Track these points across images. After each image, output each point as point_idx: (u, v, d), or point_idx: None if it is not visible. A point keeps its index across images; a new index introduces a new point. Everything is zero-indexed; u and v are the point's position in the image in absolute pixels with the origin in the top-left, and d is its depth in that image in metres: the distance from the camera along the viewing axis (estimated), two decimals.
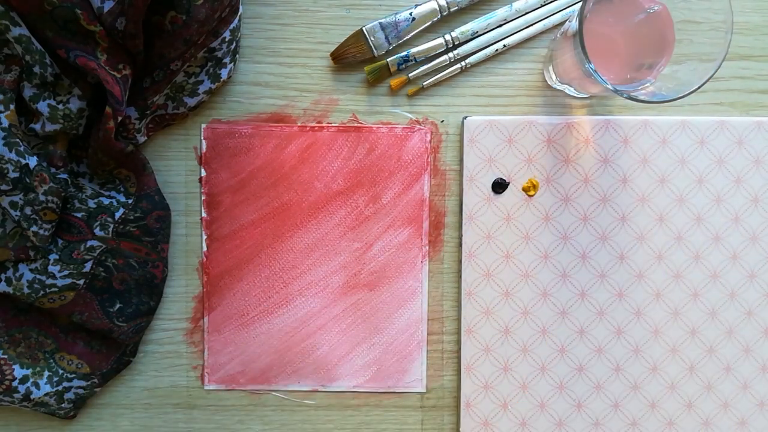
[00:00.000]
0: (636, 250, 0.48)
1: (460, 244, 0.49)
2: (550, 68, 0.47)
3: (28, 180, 0.43)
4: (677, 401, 0.49)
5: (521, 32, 0.47)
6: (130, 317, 0.47)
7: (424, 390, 0.50)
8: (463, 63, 0.48)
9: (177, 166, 0.49)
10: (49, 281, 0.45)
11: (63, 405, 0.48)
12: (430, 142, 0.48)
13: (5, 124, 0.42)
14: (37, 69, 0.42)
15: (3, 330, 0.47)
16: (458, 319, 0.49)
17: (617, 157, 0.48)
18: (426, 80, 0.48)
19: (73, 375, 0.48)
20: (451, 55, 0.47)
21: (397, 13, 0.47)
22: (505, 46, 0.47)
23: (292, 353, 0.49)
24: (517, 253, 0.48)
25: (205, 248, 0.49)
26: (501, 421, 0.49)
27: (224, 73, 0.46)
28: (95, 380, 0.48)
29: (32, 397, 0.47)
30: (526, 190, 0.48)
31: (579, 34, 0.38)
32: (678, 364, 0.49)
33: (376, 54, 0.47)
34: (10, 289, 0.45)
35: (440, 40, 0.47)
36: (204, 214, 0.49)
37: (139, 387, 0.50)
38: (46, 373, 0.47)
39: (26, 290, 0.45)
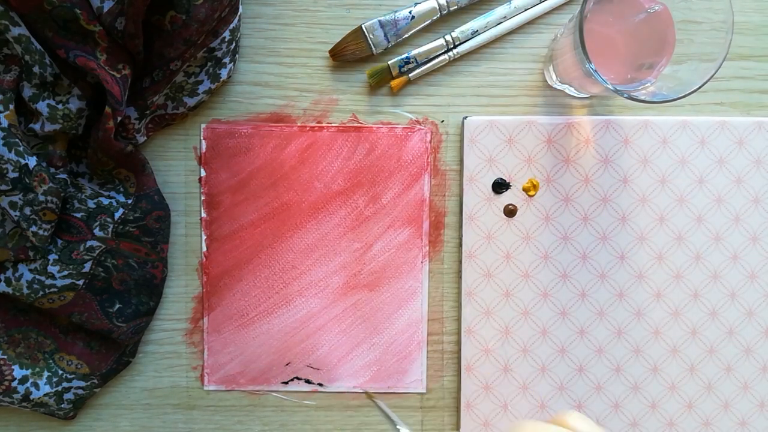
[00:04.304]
0: (636, 250, 0.48)
1: (460, 244, 0.48)
2: (551, 68, 0.47)
3: (27, 180, 0.43)
4: (678, 402, 0.49)
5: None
6: (130, 317, 0.47)
7: (424, 390, 0.50)
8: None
9: (177, 166, 0.49)
10: (49, 281, 0.45)
11: (62, 405, 0.48)
12: (430, 142, 0.48)
13: (5, 124, 0.42)
14: (36, 69, 0.42)
15: (2, 330, 0.47)
16: (458, 320, 0.49)
17: (618, 157, 0.48)
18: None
19: (73, 375, 0.48)
20: (451, 54, 0.47)
21: (396, 11, 0.47)
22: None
23: (292, 353, 0.49)
24: (518, 253, 0.48)
25: (204, 248, 0.49)
26: (501, 422, 0.49)
27: (224, 73, 0.46)
28: (95, 381, 0.48)
29: (32, 397, 0.47)
30: (526, 190, 0.48)
31: (579, 34, 0.38)
32: (678, 365, 0.49)
33: (375, 51, 0.47)
34: (9, 290, 0.45)
35: (441, 41, 0.47)
36: (204, 215, 0.49)
37: (139, 387, 0.50)
38: (46, 374, 0.47)
39: (26, 290, 0.45)
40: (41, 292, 0.45)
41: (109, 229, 0.46)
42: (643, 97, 0.39)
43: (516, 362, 0.49)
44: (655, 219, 0.48)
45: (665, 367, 0.49)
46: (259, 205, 0.49)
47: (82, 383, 0.48)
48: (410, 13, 0.47)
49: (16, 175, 0.42)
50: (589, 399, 0.49)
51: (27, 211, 0.43)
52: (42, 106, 0.43)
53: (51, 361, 0.48)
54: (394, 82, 0.48)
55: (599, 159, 0.48)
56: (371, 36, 0.47)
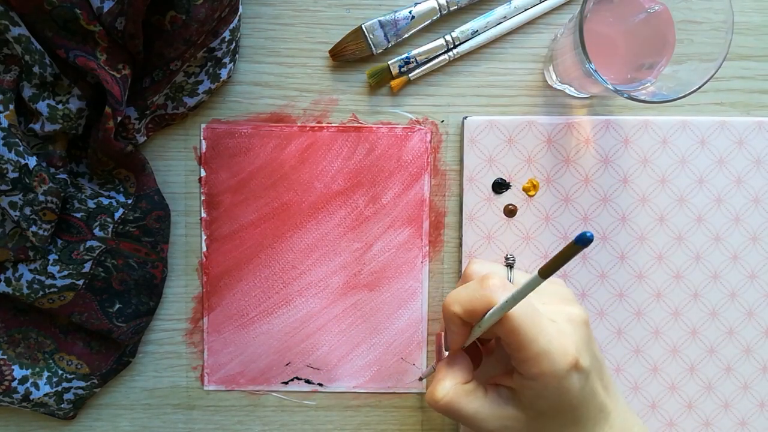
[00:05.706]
0: (636, 250, 0.48)
1: (460, 244, 0.48)
2: (551, 68, 0.47)
3: (27, 180, 0.43)
4: (678, 402, 0.49)
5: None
6: (130, 317, 0.47)
7: (424, 390, 0.50)
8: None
9: (177, 166, 0.49)
10: (49, 281, 0.45)
11: (62, 405, 0.48)
12: (430, 142, 0.48)
13: (5, 124, 0.42)
14: (36, 69, 0.42)
15: (2, 330, 0.47)
16: None
17: (618, 157, 0.48)
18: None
19: (73, 375, 0.48)
20: (451, 54, 0.47)
21: (396, 11, 0.47)
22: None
23: (292, 353, 0.49)
24: (518, 253, 0.48)
25: (204, 248, 0.49)
26: None
27: (224, 73, 0.46)
28: (95, 381, 0.48)
29: (32, 397, 0.47)
30: (526, 190, 0.48)
31: (579, 34, 0.38)
32: (678, 365, 0.49)
33: (375, 52, 0.47)
34: (9, 290, 0.45)
35: (441, 41, 0.47)
36: (204, 214, 0.49)
37: (139, 387, 0.50)
38: (46, 374, 0.47)
39: (25, 290, 0.45)
40: (41, 292, 0.45)
41: (109, 229, 0.46)
42: (643, 97, 0.39)
43: None
44: (655, 219, 0.48)
45: (665, 367, 0.49)
46: (259, 205, 0.49)
47: (82, 383, 0.48)
48: (410, 13, 0.47)
49: (16, 175, 0.42)
50: None
51: (27, 211, 0.43)
52: (42, 106, 0.43)
53: (51, 361, 0.48)
54: (394, 82, 0.48)
55: (599, 159, 0.48)
56: (371, 36, 0.47)
